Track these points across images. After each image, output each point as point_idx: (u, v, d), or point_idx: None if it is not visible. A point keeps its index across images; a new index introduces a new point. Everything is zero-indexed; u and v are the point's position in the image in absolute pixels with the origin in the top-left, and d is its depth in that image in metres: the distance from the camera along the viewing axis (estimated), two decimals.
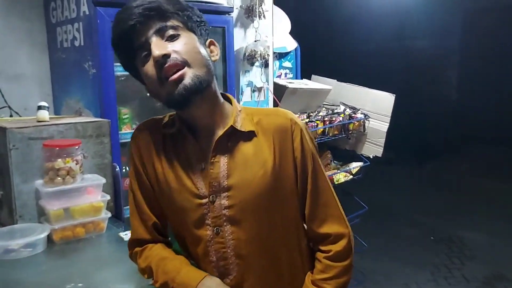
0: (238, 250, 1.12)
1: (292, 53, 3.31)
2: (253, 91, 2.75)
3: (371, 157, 3.19)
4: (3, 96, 2.27)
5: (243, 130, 1.12)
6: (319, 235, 1.18)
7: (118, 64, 1.18)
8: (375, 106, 3.15)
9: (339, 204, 1.21)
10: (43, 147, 1.68)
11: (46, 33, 2.40)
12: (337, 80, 3.34)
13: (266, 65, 2.76)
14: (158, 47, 1.00)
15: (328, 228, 1.17)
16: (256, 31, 2.68)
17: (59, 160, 1.66)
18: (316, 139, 2.89)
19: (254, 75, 2.74)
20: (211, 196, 1.10)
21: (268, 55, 2.72)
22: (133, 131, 1.29)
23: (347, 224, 1.21)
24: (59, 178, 1.66)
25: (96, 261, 1.58)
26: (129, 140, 1.23)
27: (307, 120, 2.86)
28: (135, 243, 1.23)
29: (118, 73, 2.03)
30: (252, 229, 1.11)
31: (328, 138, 2.98)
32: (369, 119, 3.13)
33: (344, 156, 3.37)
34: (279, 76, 3.24)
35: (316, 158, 1.17)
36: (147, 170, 1.17)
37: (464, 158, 7.31)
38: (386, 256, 4.07)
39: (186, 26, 1.06)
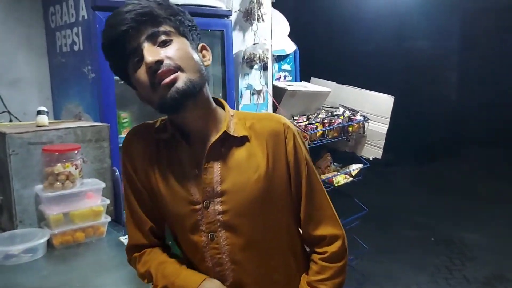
0: (233, 256, 1.12)
1: (291, 56, 3.31)
2: (253, 94, 2.75)
3: (371, 159, 3.19)
4: (2, 101, 2.27)
5: (236, 135, 1.11)
6: (314, 237, 1.19)
7: None
8: (375, 108, 3.15)
9: (332, 206, 1.22)
10: (43, 152, 1.68)
11: (45, 37, 2.41)
12: (336, 82, 3.34)
13: (265, 68, 2.76)
14: (150, 53, 0.99)
15: (323, 230, 1.18)
16: (255, 34, 2.68)
17: (59, 165, 1.66)
18: (316, 142, 2.89)
19: (253, 78, 2.74)
20: (204, 202, 1.10)
21: (267, 58, 2.72)
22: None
23: (341, 226, 1.22)
24: (58, 183, 1.66)
25: (96, 265, 1.58)
26: None
27: (306, 122, 2.86)
28: (133, 249, 1.23)
29: (117, 77, 2.03)
30: (247, 234, 1.12)
31: (328, 140, 2.99)
32: (369, 121, 3.13)
33: (344, 158, 3.37)
34: (278, 79, 3.24)
35: (309, 161, 1.18)
36: (140, 176, 1.17)
37: (464, 159, 7.31)
38: (387, 257, 4.07)
39: (178, 31, 1.05)
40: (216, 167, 1.10)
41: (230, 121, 1.13)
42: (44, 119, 1.86)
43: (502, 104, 7.60)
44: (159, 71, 0.98)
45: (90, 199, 1.75)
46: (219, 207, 1.10)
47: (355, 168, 3.17)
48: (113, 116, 2.05)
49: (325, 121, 2.96)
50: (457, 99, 8.41)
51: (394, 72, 7.57)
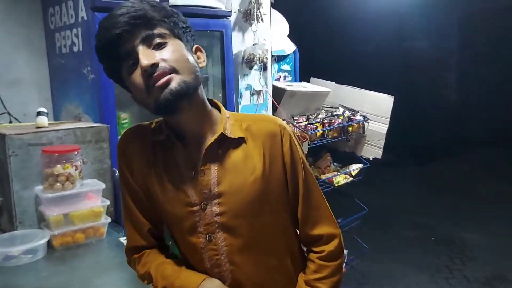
0: (231, 257, 1.12)
1: (290, 56, 3.31)
2: (252, 94, 2.75)
3: (371, 159, 3.19)
4: (2, 102, 2.27)
5: (232, 137, 1.11)
6: (312, 237, 1.20)
7: None
8: (374, 108, 3.15)
9: (328, 206, 1.23)
10: (42, 153, 1.68)
11: (45, 38, 2.41)
12: (336, 82, 3.34)
13: (264, 68, 2.76)
14: (146, 56, 0.98)
15: (320, 229, 1.19)
16: (254, 35, 2.68)
17: (59, 166, 1.66)
18: (316, 142, 2.89)
19: (253, 79, 2.75)
20: (202, 204, 1.10)
21: (266, 58, 2.72)
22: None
23: (337, 225, 1.23)
24: (58, 184, 1.66)
25: (96, 266, 1.58)
26: None
27: (306, 122, 2.86)
28: (132, 250, 1.23)
29: None
30: (244, 235, 1.12)
31: (328, 140, 2.99)
32: (368, 121, 3.13)
33: (344, 158, 3.37)
34: (278, 79, 3.24)
35: (305, 162, 1.18)
36: (137, 178, 1.16)
37: (464, 159, 7.31)
38: (387, 257, 4.07)
39: (173, 33, 1.05)
40: (213, 168, 1.10)
41: (227, 122, 1.13)
42: (43, 120, 1.86)
43: (502, 104, 7.61)
44: (155, 74, 0.98)
45: (90, 200, 1.75)
46: (216, 209, 1.10)
47: (355, 168, 3.17)
48: (113, 117, 2.05)
49: (325, 121, 2.96)
50: (457, 99, 8.41)
51: (393, 72, 7.58)
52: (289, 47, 3.26)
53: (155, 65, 0.98)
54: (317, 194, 1.20)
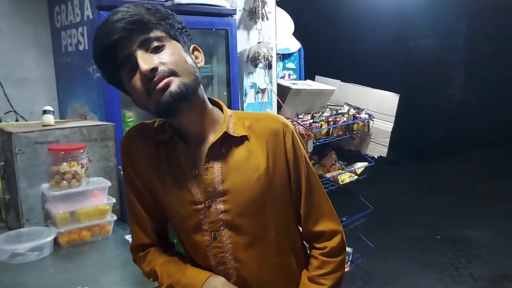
0: (236, 254, 1.13)
1: (295, 54, 3.31)
2: (257, 92, 2.75)
3: (376, 157, 3.18)
4: (8, 100, 2.28)
5: (235, 135, 1.12)
6: (314, 233, 1.21)
7: None
8: (379, 106, 3.14)
9: (330, 202, 1.23)
10: (49, 151, 1.69)
11: (51, 37, 2.42)
12: (341, 81, 3.33)
13: (269, 66, 2.76)
14: (144, 61, 0.99)
15: (323, 226, 1.20)
16: (259, 33, 2.68)
17: (65, 164, 1.67)
18: (320, 140, 2.88)
19: (258, 77, 2.74)
20: (206, 202, 1.11)
21: (271, 56, 2.72)
22: None
23: (339, 221, 1.24)
24: (64, 182, 1.67)
25: (102, 264, 1.59)
26: None
27: (311, 120, 2.85)
28: (137, 248, 1.24)
29: None
30: (249, 232, 1.13)
31: (333, 138, 2.98)
32: (374, 119, 3.12)
33: (349, 157, 3.36)
34: (283, 77, 3.24)
35: (307, 160, 1.19)
36: (141, 177, 1.17)
37: (469, 158, 7.29)
38: (393, 256, 4.06)
39: (169, 35, 1.05)
40: (217, 167, 1.11)
41: (229, 121, 1.14)
42: (50, 119, 1.87)
43: (504, 104, 7.60)
44: (155, 78, 0.98)
45: (96, 197, 1.75)
46: (221, 206, 1.11)
47: (360, 166, 3.16)
48: (118, 115, 2.06)
49: (330, 119, 2.95)
50: (461, 99, 8.38)
51: (398, 71, 7.57)
52: (294, 45, 3.26)
53: (154, 69, 0.98)
54: (319, 191, 1.21)
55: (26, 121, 2.25)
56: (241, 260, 1.14)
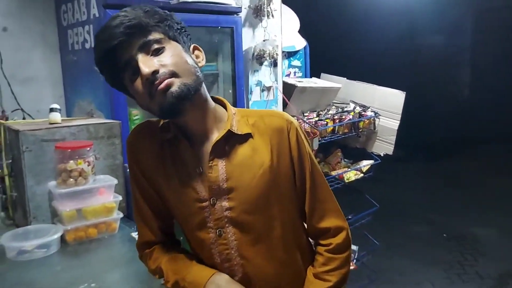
0: (241, 251, 1.13)
1: (301, 52, 3.30)
2: (262, 90, 2.75)
3: (382, 155, 3.18)
4: (16, 98, 2.30)
5: (239, 133, 1.13)
6: (319, 230, 1.21)
7: None
8: (385, 104, 3.13)
9: (335, 199, 1.23)
10: (56, 149, 1.70)
11: (58, 35, 2.43)
12: (347, 78, 3.33)
13: (275, 64, 2.76)
14: (145, 64, 0.99)
15: (328, 222, 1.20)
16: (264, 31, 2.68)
17: (71, 161, 1.68)
18: (326, 138, 2.88)
19: (263, 75, 2.74)
20: (211, 199, 1.11)
21: (277, 54, 2.72)
22: None
23: (344, 217, 1.23)
24: (71, 180, 1.68)
25: (109, 261, 1.60)
26: None
27: (316, 118, 2.85)
28: (143, 245, 1.25)
29: None
30: (254, 229, 1.13)
31: (338, 136, 2.97)
32: (379, 117, 3.11)
33: (355, 154, 3.35)
34: (288, 75, 3.23)
35: (312, 156, 1.19)
36: (146, 175, 1.18)
37: (475, 156, 7.25)
38: (399, 254, 4.06)
39: (168, 36, 1.05)
40: (221, 164, 1.11)
41: (233, 119, 1.14)
42: (56, 117, 1.89)
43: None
44: (156, 81, 0.99)
45: (103, 195, 1.76)
46: (226, 204, 1.11)
47: (366, 164, 3.16)
48: (125, 113, 2.07)
49: (336, 117, 2.95)
50: (469, 96, 8.34)
51: (405, 69, 7.54)
52: (300, 43, 3.25)
53: (155, 72, 0.99)
54: (324, 187, 1.21)
55: (33, 119, 2.26)
56: (246, 257, 1.14)
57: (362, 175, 3.14)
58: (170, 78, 1.00)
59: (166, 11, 1.09)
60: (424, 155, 7.16)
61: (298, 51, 3.27)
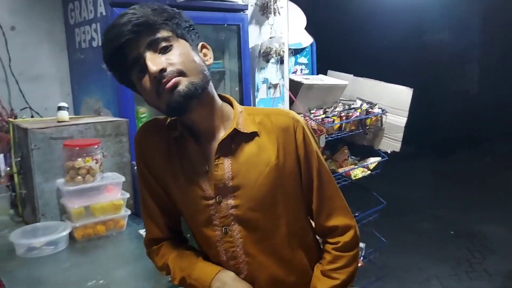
0: (247, 249, 1.14)
1: (307, 49, 3.29)
2: (269, 88, 2.75)
3: (389, 152, 3.16)
4: (24, 97, 2.32)
5: (246, 131, 1.13)
6: (327, 228, 1.21)
7: None
8: (393, 101, 3.12)
9: (343, 197, 1.23)
10: (64, 146, 1.72)
11: (65, 33, 2.44)
12: (354, 75, 3.31)
13: (281, 61, 2.76)
14: (153, 62, 1.00)
15: (335, 220, 1.19)
16: (271, 28, 2.68)
17: (79, 159, 1.69)
18: (333, 135, 2.88)
19: (270, 72, 2.74)
20: (217, 197, 1.12)
21: (283, 51, 2.72)
22: None
23: (352, 216, 1.23)
24: (79, 177, 1.69)
25: (117, 258, 1.61)
26: None
27: (323, 116, 2.84)
28: (151, 242, 1.26)
29: None
30: (260, 226, 1.13)
31: (345, 133, 2.97)
32: (387, 113, 3.10)
33: (362, 152, 3.34)
34: (295, 72, 3.23)
35: (319, 154, 1.19)
36: (153, 172, 1.19)
37: (483, 152, 7.20)
38: (406, 251, 4.04)
39: (177, 34, 1.05)
40: (227, 163, 1.11)
41: (239, 117, 1.14)
42: (64, 115, 1.90)
43: None
44: (164, 80, 0.99)
45: (110, 192, 1.77)
46: (231, 202, 1.12)
47: (373, 161, 3.15)
48: (132, 111, 2.08)
49: (342, 114, 2.94)
50: (476, 92, 8.29)
51: (412, 66, 7.50)
52: (306, 40, 3.24)
53: (163, 70, 0.99)
54: (332, 185, 1.21)
55: (41, 117, 2.28)
56: (252, 254, 1.14)
57: (369, 172, 3.14)
58: (178, 76, 1.00)
59: (175, 8, 1.09)
60: (432, 152, 7.12)
61: (304, 48, 3.26)
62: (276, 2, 2.64)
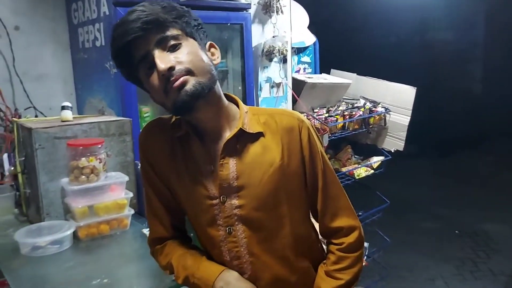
0: (251, 249, 1.14)
1: (310, 48, 3.29)
2: (272, 87, 2.75)
3: (393, 151, 3.16)
4: (28, 96, 2.32)
5: (251, 132, 1.12)
6: (331, 229, 1.21)
7: None
8: (396, 100, 3.11)
9: (348, 198, 1.23)
10: (68, 146, 1.72)
11: (68, 33, 2.45)
12: (357, 74, 3.31)
13: (284, 60, 2.76)
14: (162, 60, 0.99)
15: (340, 221, 1.19)
16: (274, 27, 2.68)
17: (83, 158, 1.69)
18: (336, 134, 2.87)
19: (273, 71, 2.74)
20: (221, 197, 1.12)
21: (286, 50, 2.71)
22: None
23: (357, 216, 1.23)
24: (83, 177, 1.69)
25: (121, 257, 1.62)
26: None
27: (326, 115, 2.84)
28: (155, 241, 1.26)
29: None
30: (264, 227, 1.13)
31: (348, 132, 2.97)
32: (390, 112, 3.09)
33: (365, 151, 3.34)
34: (298, 71, 3.23)
35: (324, 154, 1.19)
36: (157, 171, 1.19)
37: (487, 151, 7.18)
38: (410, 250, 4.04)
39: (186, 33, 1.05)
40: (232, 163, 1.11)
41: (245, 117, 1.14)
42: (68, 114, 1.90)
43: None
44: (172, 78, 0.99)
45: (114, 192, 1.78)
46: (235, 202, 1.12)
47: (376, 160, 3.14)
48: (135, 111, 2.08)
49: (346, 113, 2.93)
50: (479, 92, 8.25)
51: (415, 65, 7.46)
52: (309, 39, 3.24)
53: (171, 69, 0.99)
54: (336, 186, 1.20)
55: (45, 116, 2.28)
56: (255, 254, 1.14)
57: (372, 171, 3.13)
58: (186, 75, 1.00)
59: (184, 7, 1.08)
60: (435, 151, 7.10)
61: (307, 47, 3.26)
62: (279, 1, 2.64)
